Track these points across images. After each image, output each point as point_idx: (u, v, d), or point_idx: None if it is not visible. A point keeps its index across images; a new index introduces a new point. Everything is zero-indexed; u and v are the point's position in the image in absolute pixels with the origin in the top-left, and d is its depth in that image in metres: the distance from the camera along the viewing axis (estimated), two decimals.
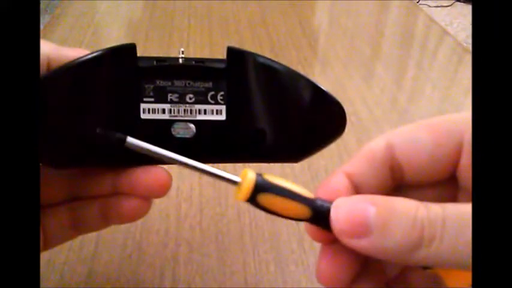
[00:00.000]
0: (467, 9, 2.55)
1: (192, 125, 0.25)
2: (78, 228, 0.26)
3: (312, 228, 0.21)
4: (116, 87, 0.24)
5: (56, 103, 0.23)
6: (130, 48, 0.23)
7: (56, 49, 0.23)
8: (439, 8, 2.54)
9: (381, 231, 0.18)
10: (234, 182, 0.21)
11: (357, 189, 0.22)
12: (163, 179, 0.24)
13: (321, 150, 0.27)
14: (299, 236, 0.37)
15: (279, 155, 0.27)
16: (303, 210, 0.20)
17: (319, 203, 0.20)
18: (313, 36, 0.74)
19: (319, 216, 0.20)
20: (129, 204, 0.25)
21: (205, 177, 0.42)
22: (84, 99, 0.23)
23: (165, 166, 0.25)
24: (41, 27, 0.68)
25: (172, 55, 0.24)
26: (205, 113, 0.25)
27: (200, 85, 0.24)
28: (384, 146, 0.21)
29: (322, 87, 0.25)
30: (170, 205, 0.39)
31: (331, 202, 0.20)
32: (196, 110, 0.25)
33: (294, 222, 0.39)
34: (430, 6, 2.47)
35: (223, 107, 0.25)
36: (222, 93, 0.24)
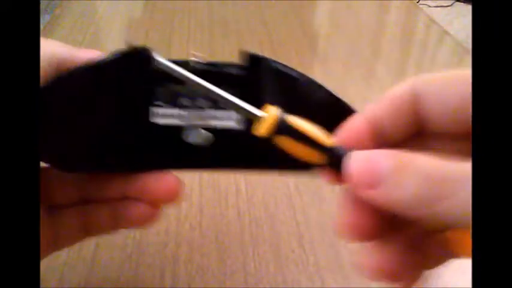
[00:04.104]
0: (467, 9, 2.55)
1: (203, 131, 0.24)
2: (88, 230, 0.26)
3: (327, 173, 0.21)
4: (127, 91, 0.23)
5: (66, 106, 0.23)
6: (144, 51, 0.23)
7: (67, 50, 0.23)
8: (439, 8, 2.54)
9: (394, 182, 0.18)
10: (256, 116, 0.21)
11: (378, 133, 0.21)
12: (173, 186, 0.24)
13: None
14: (299, 236, 0.37)
15: (293, 164, 0.26)
16: (319, 156, 0.20)
17: (336, 150, 0.20)
18: (313, 36, 0.74)
19: (334, 163, 0.20)
20: (137, 209, 0.24)
21: (205, 177, 0.42)
22: (94, 103, 0.23)
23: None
24: (41, 27, 0.68)
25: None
26: (218, 119, 0.24)
27: None
28: (410, 91, 0.21)
29: (340, 98, 0.25)
30: (170, 205, 0.39)
31: (349, 149, 0.20)
32: (208, 116, 0.24)
33: (293, 223, 0.39)
34: (430, 6, 2.46)
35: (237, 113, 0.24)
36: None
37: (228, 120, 0.24)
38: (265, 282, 0.33)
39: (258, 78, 0.24)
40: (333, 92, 0.25)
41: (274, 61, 0.24)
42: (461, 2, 2.63)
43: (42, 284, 0.32)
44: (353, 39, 0.73)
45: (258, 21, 0.74)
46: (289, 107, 0.24)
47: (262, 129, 0.20)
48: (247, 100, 0.23)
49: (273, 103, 0.23)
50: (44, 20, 0.69)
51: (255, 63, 0.23)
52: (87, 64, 0.22)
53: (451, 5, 2.63)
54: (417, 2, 2.16)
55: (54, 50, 0.22)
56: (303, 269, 0.35)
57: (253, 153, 0.24)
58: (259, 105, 0.23)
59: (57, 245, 0.25)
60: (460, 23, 2.41)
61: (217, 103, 0.23)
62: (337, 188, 0.40)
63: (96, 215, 0.25)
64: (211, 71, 0.23)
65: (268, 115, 0.20)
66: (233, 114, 0.24)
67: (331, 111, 0.25)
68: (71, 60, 0.22)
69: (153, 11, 0.75)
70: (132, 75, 0.23)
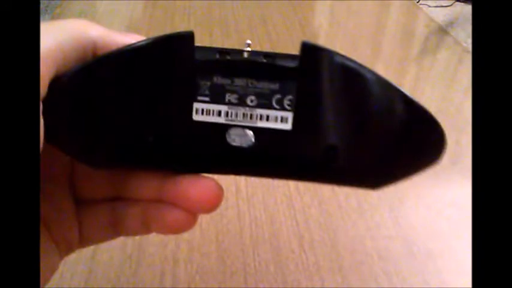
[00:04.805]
0: (467, 9, 2.55)
1: (250, 133, 0.21)
2: (116, 229, 0.24)
3: None
4: (167, 82, 0.20)
5: (97, 95, 0.20)
6: (188, 36, 0.20)
7: (105, 34, 0.21)
8: (439, 8, 2.54)
9: None
10: None
11: None
12: (213, 193, 0.22)
13: (408, 178, 0.22)
14: (299, 236, 0.37)
15: (352, 178, 0.23)
16: None
17: None
18: (313, 36, 0.74)
19: None
20: (172, 215, 0.23)
21: None
22: (128, 93, 0.20)
23: (216, 176, 0.22)
24: None
25: None
26: (267, 119, 0.21)
27: (265, 86, 0.21)
28: None
29: (420, 104, 0.21)
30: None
31: None
32: (257, 116, 0.21)
33: (294, 222, 0.39)
34: (430, 6, 2.46)
35: (290, 114, 0.21)
36: (289, 97, 0.21)
37: (279, 122, 0.21)
38: (265, 282, 0.33)
39: (317, 72, 0.20)
40: (416, 101, 0.21)
41: (340, 54, 0.20)
42: (461, 2, 2.62)
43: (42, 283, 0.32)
44: (353, 39, 0.73)
45: (258, 21, 0.74)
46: (353, 110, 0.21)
47: None
48: (304, 97, 0.21)
49: (332, 104, 0.21)
50: (44, 20, 0.69)
51: (314, 54, 0.20)
52: (120, 49, 0.20)
53: (451, 5, 2.63)
54: (417, 2, 2.16)
55: (88, 31, 0.20)
56: (303, 269, 0.35)
57: (304, 161, 0.22)
58: (316, 104, 0.21)
59: (83, 241, 0.24)
60: (460, 23, 2.41)
61: (270, 102, 0.21)
62: (337, 188, 0.40)
63: (127, 214, 0.24)
64: (265, 64, 0.21)
65: None
66: (285, 114, 0.21)
67: (408, 120, 0.21)
68: (106, 45, 0.20)
69: (153, 11, 0.75)
70: (173, 63, 0.20)
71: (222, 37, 0.69)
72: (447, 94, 0.60)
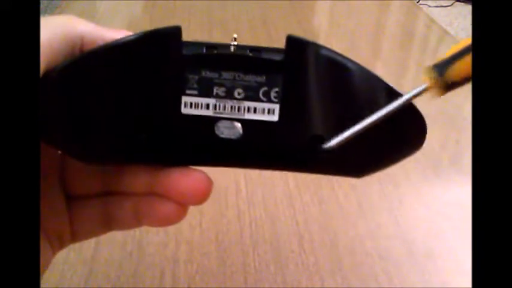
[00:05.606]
0: (467, 9, 2.55)
1: (238, 125, 0.22)
2: (108, 224, 0.24)
3: None
4: (155, 76, 0.21)
5: (86, 90, 0.20)
6: (175, 31, 0.20)
7: (93, 29, 0.21)
8: (439, 8, 2.54)
9: None
10: (425, 90, 0.20)
11: None
12: (202, 185, 0.22)
13: (390, 166, 0.23)
14: (299, 236, 0.37)
15: (338, 167, 0.23)
16: None
17: None
18: (313, 36, 0.74)
19: None
20: (163, 207, 0.23)
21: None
22: (117, 88, 0.21)
23: (204, 169, 0.23)
24: None
25: None
26: (255, 111, 0.21)
27: (252, 79, 0.21)
28: None
29: (401, 93, 0.22)
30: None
31: None
32: (245, 108, 0.21)
33: (294, 222, 0.39)
34: (430, 6, 2.46)
35: (277, 106, 0.21)
36: (276, 89, 0.21)
37: (266, 114, 0.21)
38: (265, 282, 0.33)
39: (303, 65, 0.21)
40: (398, 91, 0.21)
41: (324, 47, 0.21)
42: (461, 2, 2.63)
43: (42, 283, 0.32)
44: (353, 39, 0.73)
45: (258, 21, 0.74)
46: (338, 101, 0.21)
47: (437, 90, 0.20)
48: (290, 90, 0.21)
49: (317, 95, 0.21)
50: None
51: (299, 48, 0.21)
52: (107, 44, 0.20)
53: (451, 5, 2.63)
54: (417, 2, 2.16)
55: (76, 26, 0.20)
56: (303, 269, 0.35)
57: (291, 151, 0.22)
58: (302, 96, 0.21)
59: (75, 236, 0.24)
60: (460, 23, 2.41)
61: (257, 94, 0.21)
62: (337, 188, 0.40)
63: (119, 209, 0.24)
64: (252, 57, 0.21)
65: (430, 78, 0.20)
66: (272, 106, 0.21)
67: (393, 113, 0.21)
68: (93, 41, 0.21)
69: (153, 11, 0.75)
70: (161, 58, 0.21)
71: (222, 37, 0.69)
72: (447, 94, 0.60)
